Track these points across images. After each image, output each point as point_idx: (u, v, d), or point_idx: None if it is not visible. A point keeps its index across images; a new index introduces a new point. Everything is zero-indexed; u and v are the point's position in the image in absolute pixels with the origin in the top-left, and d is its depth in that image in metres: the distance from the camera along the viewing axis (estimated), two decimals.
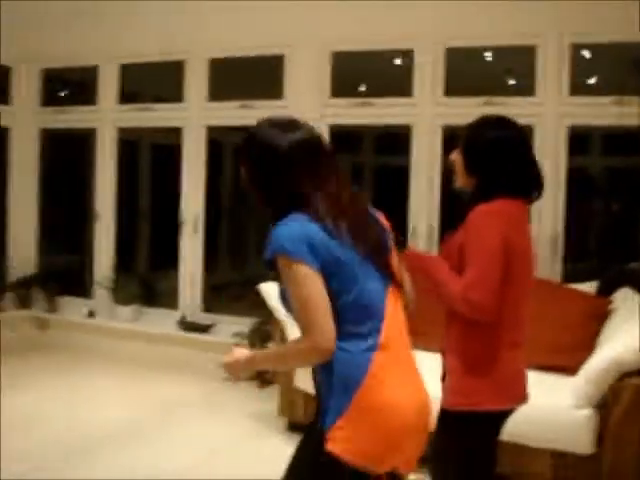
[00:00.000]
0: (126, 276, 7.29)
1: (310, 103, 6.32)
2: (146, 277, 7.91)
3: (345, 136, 7.02)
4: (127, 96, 7.42)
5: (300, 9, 6.25)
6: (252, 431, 5.05)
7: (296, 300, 2.09)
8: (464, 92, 5.86)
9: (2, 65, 7.48)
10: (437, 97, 5.91)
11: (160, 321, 6.91)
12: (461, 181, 2.81)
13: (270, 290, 4.96)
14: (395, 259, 2.32)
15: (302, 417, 4.82)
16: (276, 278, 2.17)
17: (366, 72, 7.04)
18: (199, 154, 6.87)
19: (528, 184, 2.73)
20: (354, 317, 2.13)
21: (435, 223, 5.86)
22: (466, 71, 6.30)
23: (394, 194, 6.48)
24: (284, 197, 2.20)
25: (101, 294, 7.23)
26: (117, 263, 7.30)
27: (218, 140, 8.53)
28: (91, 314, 7.22)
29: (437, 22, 5.82)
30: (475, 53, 6.08)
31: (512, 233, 2.60)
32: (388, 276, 2.24)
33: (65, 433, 4.85)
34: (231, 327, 6.24)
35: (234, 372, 2.33)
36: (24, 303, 7.56)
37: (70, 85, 8.37)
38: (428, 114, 5.90)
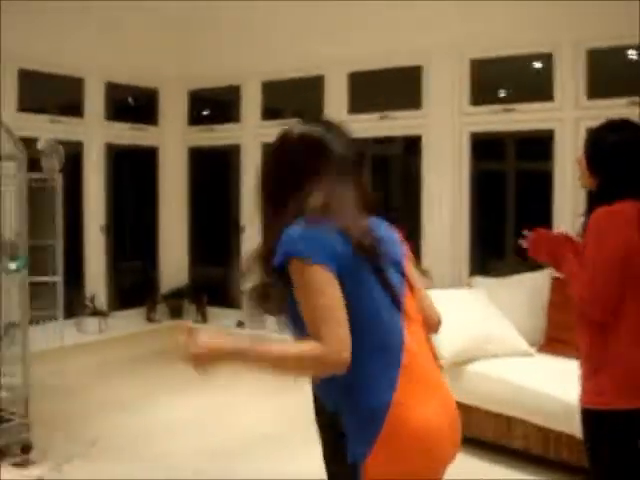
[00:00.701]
0: None
1: (450, 112, 6.33)
2: None
3: (486, 143, 6.95)
4: (269, 112, 7.63)
5: (436, 18, 6.28)
6: None
7: (311, 306, 1.87)
8: (608, 93, 5.72)
9: (151, 88, 7.86)
10: (580, 100, 5.80)
11: None
12: (584, 182, 2.90)
13: None
14: (412, 272, 2.17)
15: None
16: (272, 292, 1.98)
17: (505, 77, 6.96)
18: None
19: None
20: (372, 334, 1.95)
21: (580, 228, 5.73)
22: (609, 71, 6.15)
23: (538, 200, 6.38)
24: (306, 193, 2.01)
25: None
26: None
27: (360, 151, 8.61)
28: (240, 324, 7.44)
29: (576, 23, 5.70)
30: (618, 52, 5.91)
31: (633, 234, 2.60)
32: (402, 292, 2.05)
33: (211, 438, 5.03)
34: None
35: (202, 364, 1.95)
36: (176, 314, 7.89)
37: (213, 104, 8.67)
38: (571, 117, 5.79)
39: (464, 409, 4.63)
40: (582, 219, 2.84)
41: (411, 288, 2.12)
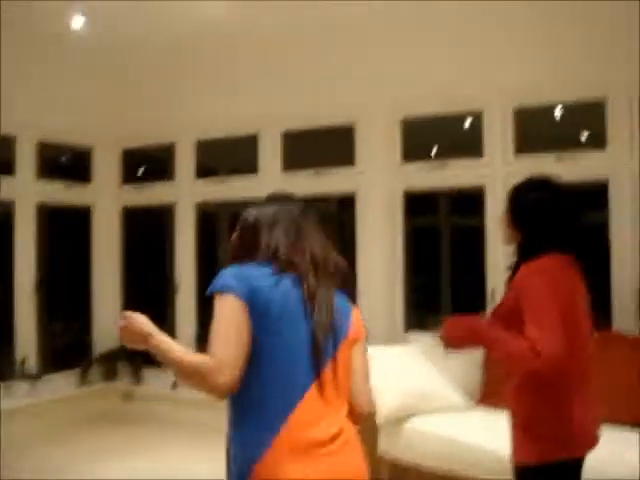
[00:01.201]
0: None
1: (382, 169, 6.42)
2: None
3: (420, 198, 7.03)
4: (204, 170, 7.62)
5: (368, 78, 6.41)
6: None
7: (213, 329, 1.99)
8: (536, 149, 5.86)
9: (84, 146, 7.81)
10: (508, 156, 5.92)
11: None
12: (507, 239, 2.96)
13: None
14: (355, 351, 2.19)
15: None
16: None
17: (437, 135, 7.09)
18: None
19: (572, 241, 2.81)
20: (264, 387, 2.00)
21: None
22: (537, 128, 6.31)
23: (472, 254, 6.46)
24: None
25: None
26: (199, 334, 7.40)
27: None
28: (175, 385, 7.32)
29: (505, 83, 5.85)
30: (545, 110, 6.08)
31: (560, 289, 2.67)
32: (322, 361, 2.07)
33: None
34: None
35: (129, 340, 2.12)
36: (110, 376, 7.73)
37: (147, 161, 8.62)
38: (500, 174, 5.91)
39: (402, 469, 4.63)
40: (509, 273, 2.89)
41: (341, 362, 2.12)
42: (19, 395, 6.91)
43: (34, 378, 7.06)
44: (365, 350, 2.27)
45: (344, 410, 2.13)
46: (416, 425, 4.67)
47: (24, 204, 7.19)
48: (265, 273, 2.08)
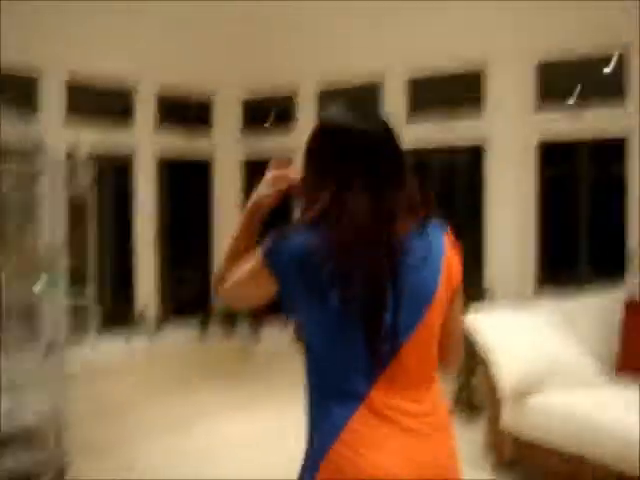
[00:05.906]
0: None
1: (514, 116, 6.17)
2: None
3: (557, 147, 6.63)
4: None
5: (500, 21, 6.10)
6: None
7: (242, 267, 1.89)
8: None
9: (205, 97, 7.86)
10: None
11: None
12: None
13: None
14: (443, 302, 1.79)
15: (509, 458, 4.45)
16: None
17: (576, 81, 6.64)
18: None
19: None
20: (335, 369, 1.77)
21: None
22: None
23: (613, 205, 6.01)
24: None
25: None
26: None
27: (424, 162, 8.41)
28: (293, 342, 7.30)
29: None
30: None
31: None
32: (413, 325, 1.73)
33: (257, 464, 4.81)
34: None
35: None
36: (229, 334, 7.82)
37: (267, 113, 8.55)
38: None
39: (526, 446, 4.28)
40: None
41: (434, 318, 1.78)
42: (139, 344, 7.07)
43: (154, 327, 7.20)
44: (460, 298, 1.89)
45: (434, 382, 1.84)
46: (544, 400, 4.27)
47: (143, 155, 7.30)
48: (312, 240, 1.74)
